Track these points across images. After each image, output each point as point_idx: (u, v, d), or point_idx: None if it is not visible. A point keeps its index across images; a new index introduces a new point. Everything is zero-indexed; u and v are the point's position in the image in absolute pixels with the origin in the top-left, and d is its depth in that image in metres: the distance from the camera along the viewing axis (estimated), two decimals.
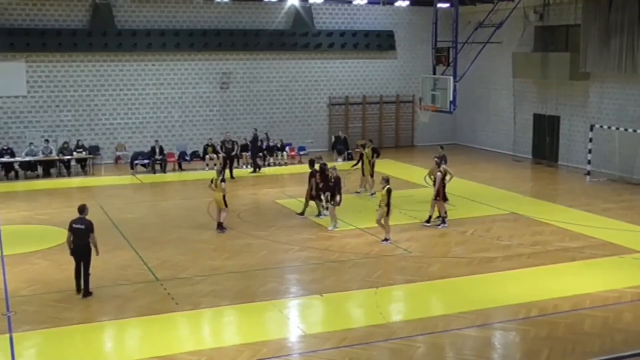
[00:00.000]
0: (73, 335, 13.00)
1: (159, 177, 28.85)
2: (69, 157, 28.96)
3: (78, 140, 29.84)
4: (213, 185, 19.93)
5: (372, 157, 24.57)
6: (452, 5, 27.91)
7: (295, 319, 13.90)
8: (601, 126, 27.72)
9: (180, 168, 30.37)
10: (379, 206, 18.59)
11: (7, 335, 12.76)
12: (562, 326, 13.07)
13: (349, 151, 32.61)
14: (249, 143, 30.12)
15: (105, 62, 31.29)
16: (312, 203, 21.74)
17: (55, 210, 22.49)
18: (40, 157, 28.68)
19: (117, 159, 31.70)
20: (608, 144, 27.63)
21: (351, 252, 17.90)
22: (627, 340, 12.50)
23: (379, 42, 35.37)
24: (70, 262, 15.20)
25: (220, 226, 19.85)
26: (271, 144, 31.41)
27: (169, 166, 29.97)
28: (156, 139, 30.48)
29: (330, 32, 34.53)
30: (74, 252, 14.77)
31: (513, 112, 33.22)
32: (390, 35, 35.59)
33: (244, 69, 33.47)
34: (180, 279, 15.89)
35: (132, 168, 29.81)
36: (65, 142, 29.38)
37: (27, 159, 28.59)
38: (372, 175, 24.61)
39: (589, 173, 27.53)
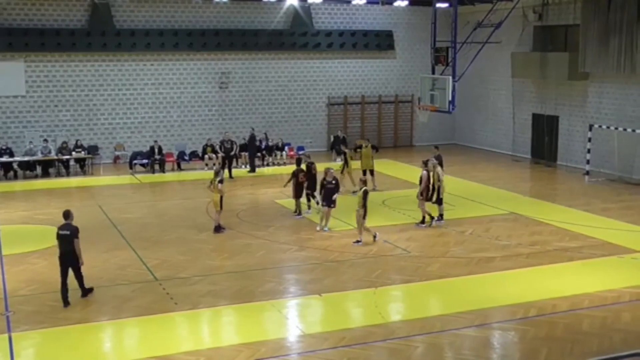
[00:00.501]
0: (72, 335, 12.99)
1: (157, 177, 28.85)
2: (67, 157, 28.96)
3: (77, 140, 29.83)
4: (212, 187, 19.90)
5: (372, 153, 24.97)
6: (451, 5, 27.93)
7: (293, 318, 13.91)
8: (600, 126, 27.73)
9: (179, 168, 30.38)
10: (357, 208, 18.49)
11: (6, 335, 12.75)
12: (561, 326, 13.07)
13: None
14: (247, 143, 30.12)
15: (104, 62, 31.29)
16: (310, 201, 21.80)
17: (54, 210, 22.39)
18: (39, 156, 28.68)
19: (116, 158, 31.69)
20: (607, 143, 27.64)
21: (350, 252, 17.90)
22: (625, 340, 12.50)
23: (378, 41, 35.37)
24: None
25: (217, 228, 19.78)
26: (270, 143, 31.42)
27: (168, 166, 29.97)
28: (155, 139, 30.47)
29: (329, 32, 34.53)
30: (60, 260, 14.36)
31: (512, 112, 33.23)
32: (389, 35, 35.60)
33: (243, 68, 33.47)
34: (179, 278, 15.89)
35: (131, 168, 29.80)
36: (64, 142, 29.37)
37: (26, 158, 28.59)
38: (372, 174, 24.91)
39: (587, 173, 27.54)
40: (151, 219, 21.74)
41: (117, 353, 12.35)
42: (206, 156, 29.93)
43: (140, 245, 18.57)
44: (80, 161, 29.44)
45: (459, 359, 11.99)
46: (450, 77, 25.41)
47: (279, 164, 30.92)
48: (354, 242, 18.46)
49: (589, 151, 27.74)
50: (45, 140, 29.37)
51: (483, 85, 34.77)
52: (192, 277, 16.01)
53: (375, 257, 17.54)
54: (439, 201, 20.68)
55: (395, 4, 33.73)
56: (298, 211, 21.61)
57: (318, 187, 21.21)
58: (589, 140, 27.76)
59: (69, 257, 14.32)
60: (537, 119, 31.97)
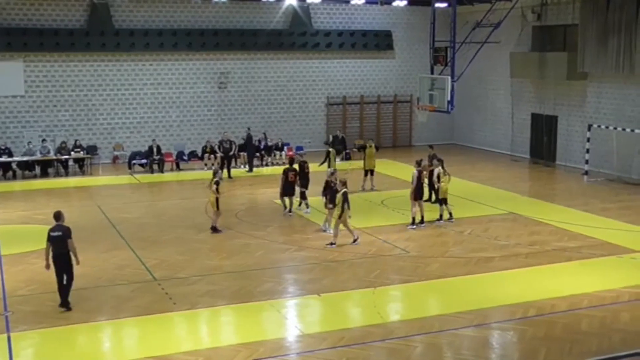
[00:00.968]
0: (71, 335, 12.99)
1: (156, 176, 28.85)
2: (66, 156, 28.95)
3: (76, 140, 29.83)
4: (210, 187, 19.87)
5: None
6: (449, 5, 27.93)
7: (292, 318, 13.91)
8: (599, 126, 27.74)
9: (178, 168, 30.37)
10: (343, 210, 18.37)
11: (5, 335, 12.74)
12: (560, 326, 13.07)
13: (347, 151, 32.66)
14: (245, 143, 30.15)
15: (103, 62, 31.27)
16: (309, 201, 21.82)
17: (53, 210, 22.32)
18: (38, 156, 28.66)
19: (115, 158, 31.68)
20: (606, 143, 27.65)
21: (349, 251, 17.89)
22: (624, 340, 12.50)
23: (377, 41, 35.38)
24: None
25: (213, 229, 19.72)
26: (270, 143, 31.41)
27: (167, 166, 29.97)
28: (154, 139, 30.45)
29: (328, 32, 34.53)
30: (55, 263, 14.04)
31: (511, 112, 33.24)
32: (388, 35, 35.61)
33: (242, 68, 33.47)
34: (178, 278, 15.89)
35: (129, 168, 29.79)
36: (63, 142, 29.37)
37: (25, 158, 28.58)
38: (372, 173, 25.05)
39: (586, 173, 27.53)
40: (150, 219, 21.73)
41: (116, 353, 12.34)
42: (205, 156, 29.91)
43: (138, 245, 18.56)
44: (79, 161, 29.43)
45: (458, 359, 11.99)
46: (449, 77, 25.40)
47: (278, 164, 30.88)
48: (351, 242, 18.40)
49: (587, 151, 27.75)
50: (44, 140, 29.36)
51: (482, 85, 34.78)
52: (190, 277, 16.01)
53: (374, 257, 17.54)
54: (439, 202, 20.68)
55: (394, 3, 33.73)
56: (289, 208, 21.66)
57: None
58: (588, 140, 27.77)
59: (62, 259, 14.00)
60: (536, 119, 31.99)
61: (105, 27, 30.83)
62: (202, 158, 30.21)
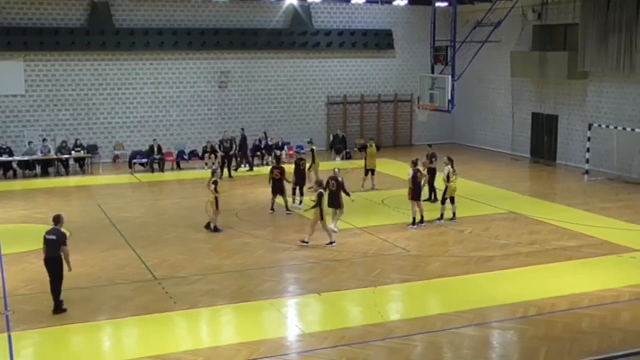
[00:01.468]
0: (71, 334, 13.00)
1: (157, 176, 28.85)
2: (67, 156, 28.96)
3: (76, 139, 29.84)
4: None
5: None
6: (450, 4, 27.92)
7: (292, 318, 13.91)
8: (599, 125, 27.73)
9: (179, 167, 30.39)
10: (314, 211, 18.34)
11: (6, 334, 12.74)
12: (560, 325, 13.07)
13: (347, 150, 32.66)
14: (240, 144, 30.18)
15: (103, 61, 31.27)
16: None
17: (53, 209, 22.42)
18: (39, 156, 28.66)
19: (115, 158, 31.68)
20: (606, 143, 27.65)
21: (349, 251, 17.90)
22: (624, 339, 12.50)
23: (377, 41, 35.37)
24: None
25: (214, 228, 19.64)
26: (270, 142, 31.40)
27: (167, 165, 29.98)
28: (154, 138, 30.43)
29: (329, 31, 34.52)
30: (45, 264, 14.01)
31: (511, 111, 33.24)
32: (388, 34, 35.60)
33: (242, 68, 33.46)
34: (178, 278, 15.89)
35: (130, 167, 29.80)
36: (64, 141, 29.37)
37: (25, 158, 28.58)
38: (373, 173, 25.09)
39: (587, 172, 27.52)
40: (150, 218, 21.74)
41: (116, 352, 12.34)
42: (206, 155, 29.89)
43: (139, 244, 18.56)
44: (80, 160, 29.44)
45: (458, 358, 12.00)
46: (450, 76, 25.40)
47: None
48: (327, 244, 18.21)
49: (588, 150, 27.73)
50: (45, 140, 29.37)
51: (482, 85, 34.77)
52: (191, 276, 16.01)
53: (374, 256, 17.54)
54: (444, 200, 20.67)
55: (395, 3, 33.72)
56: (285, 207, 21.83)
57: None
58: (588, 139, 27.75)
59: (53, 263, 13.88)
60: (536, 118, 31.98)
61: (106, 26, 30.83)
62: (202, 157, 30.20)
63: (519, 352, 12.23)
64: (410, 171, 20.14)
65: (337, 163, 28.18)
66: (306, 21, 33.99)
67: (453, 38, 25.83)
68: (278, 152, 29.23)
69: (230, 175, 27.96)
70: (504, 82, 33.34)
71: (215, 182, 19.63)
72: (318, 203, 18.06)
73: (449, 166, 20.64)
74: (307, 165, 23.67)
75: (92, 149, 30.49)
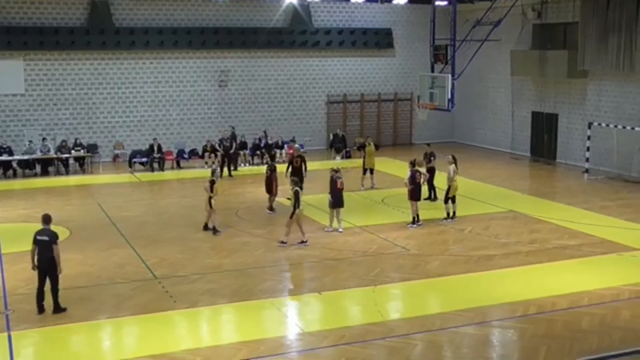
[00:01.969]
0: (71, 333, 13.00)
1: (157, 175, 28.85)
2: (67, 155, 28.96)
3: (76, 139, 29.83)
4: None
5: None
6: (450, 3, 27.92)
7: (293, 317, 13.92)
8: (599, 124, 27.72)
9: (179, 166, 30.38)
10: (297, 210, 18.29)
11: (6, 334, 12.74)
12: (560, 324, 13.08)
13: (347, 149, 32.66)
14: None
15: (103, 61, 31.26)
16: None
17: (53, 208, 22.43)
18: (39, 155, 28.66)
19: (115, 157, 31.67)
20: (606, 141, 27.65)
21: (349, 250, 17.91)
22: (624, 337, 12.50)
23: (377, 39, 35.36)
24: (67, 261, 15.17)
25: (213, 229, 19.54)
26: (270, 141, 31.39)
27: (167, 164, 29.98)
28: (154, 137, 30.42)
29: (329, 30, 34.52)
30: (39, 266, 13.73)
31: (511, 110, 33.23)
32: (388, 33, 35.59)
33: (242, 67, 33.46)
34: (178, 277, 15.89)
35: (130, 166, 29.79)
36: (64, 141, 29.37)
37: (25, 157, 28.58)
38: (372, 172, 25.11)
39: (587, 171, 27.51)
40: (150, 217, 21.74)
41: (116, 351, 12.34)
42: (206, 154, 29.88)
43: (139, 243, 18.56)
44: (80, 160, 29.43)
45: (458, 357, 12.01)
46: (450, 75, 25.41)
47: (278, 162, 30.83)
48: (299, 243, 18.21)
49: (588, 149, 27.72)
50: (45, 139, 29.36)
51: (482, 83, 34.77)
52: (191, 275, 16.01)
53: (375, 255, 17.55)
54: (446, 200, 20.65)
55: (394, 1, 33.72)
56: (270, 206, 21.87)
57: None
58: (588, 138, 27.74)
59: (48, 264, 13.70)
60: (536, 116, 31.98)
61: (106, 25, 30.81)
62: (202, 156, 30.20)
63: (519, 351, 12.23)
64: (408, 172, 20.12)
65: (337, 162, 28.19)
66: (306, 20, 33.98)
67: (453, 37, 25.83)
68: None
69: (230, 175, 27.95)
70: (504, 81, 33.34)
71: (211, 182, 19.55)
72: (295, 201, 18.04)
73: (453, 165, 20.64)
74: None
75: (92, 148, 30.48)
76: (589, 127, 27.76)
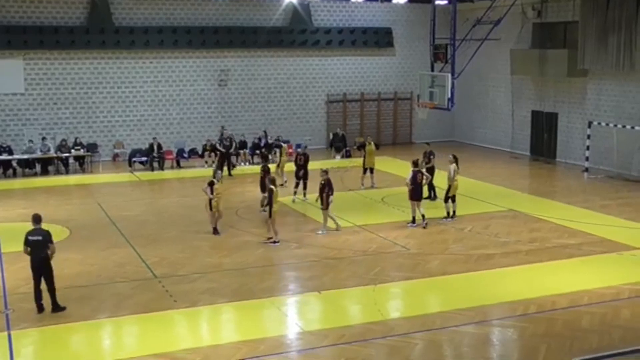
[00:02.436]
0: (71, 332, 13.00)
1: (157, 174, 28.85)
2: (66, 154, 28.95)
3: (76, 138, 29.82)
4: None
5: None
6: (450, 2, 27.89)
7: (293, 316, 13.92)
8: (599, 123, 27.73)
9: (179, 165, 30.37)
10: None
11: (6, 333, 12.75)
12: (560, 323, 13.08)
13: (347, 148, 32.65)
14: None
15: (103, 60, 31.26)
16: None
17: (52, 208, 22.48)
18: (38, 154, 28.65)
19: (115, 156, 31.66)
20: (606, 140, 27.65)
21: (349, 249, 17.90)
22: (624, 337, 12.51)
23: (377, 39, 35.35)
24: (67, 261, 15.19)
25: (213, 230, 19.44)
26: (270, 141, 31.38)
27: (167, 163, 29.98)
28: (154, 137, 30.42)
29: (328, 29, 34.51)
30: (33, 267, 13.67)
31: (511, 109, 33.23)
32: (388, 32, 35.58)
33: (242, 66, 33.45)
34: (178, 276, 15.89)
35: (130, 165, 29.79)
36: (63, 140, 29.36)
37: (25, 156, 28.56)
38: (372, 171, 25.13)
39: (586, 170, 27.53)
40: (150, 217, 21.74)
41: (116, 350, 12.33)
42: (206, 153, 29.88)
43: (139, 242, 18.56)
44: (80, 159, 29.43)
45: (459, 356, 12.01)
46: (450, 74, 25.42)
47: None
48: (268, 242, 18.28)
49: (588, 148, 27.74)
50: (44, 138, 29.35)
51: (482, 83, 34.76)
52: (191, 274, 16.02)
53: (375, 254, 17.54)
54: (447, 199, 20.64)
55: (394, 1, 33.72)
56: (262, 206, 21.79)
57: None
58: (588, 137, 27.75)
59: (42, 265, 13.62)
60: (536, 116, 31.98)
61: (105, 24, 30.81)
62: (202, 156, 30.20)
63: (519, 350, 12.23)
64: (410, 172, 20.09)
65: (337, 162, 28.19)
66: (306, 19, 33.97)
67: (453, 36, 25.83)
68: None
69: (230, 174, 27.95)
70: (504, 80, 33.33)
71: (210, 183, 19.44)
72: (269, 199, 18.08)
73: (454, 164, 20.64)
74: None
75: (92, 148, 30.48)
76: (589, 126, 27.77)
